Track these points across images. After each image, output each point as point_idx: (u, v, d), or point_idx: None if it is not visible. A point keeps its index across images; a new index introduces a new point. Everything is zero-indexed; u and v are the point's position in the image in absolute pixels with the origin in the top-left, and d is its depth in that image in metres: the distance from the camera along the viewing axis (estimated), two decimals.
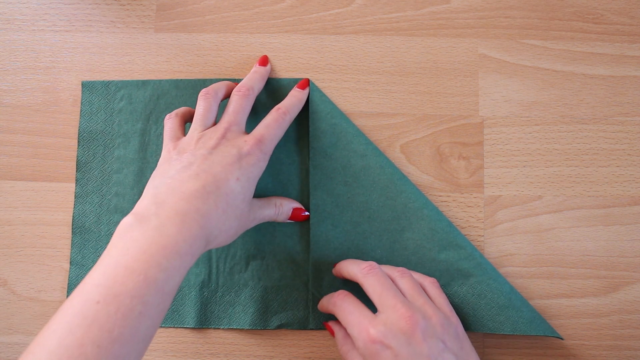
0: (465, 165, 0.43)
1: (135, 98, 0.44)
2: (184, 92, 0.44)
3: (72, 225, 0.43)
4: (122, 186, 0.43)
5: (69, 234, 0.43)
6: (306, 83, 0.43)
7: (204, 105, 0.39)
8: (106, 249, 0.32)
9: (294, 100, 0.41)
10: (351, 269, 0.38)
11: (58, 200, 0.44)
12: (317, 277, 0.42)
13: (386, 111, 0.44)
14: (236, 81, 0.43)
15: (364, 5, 0.45)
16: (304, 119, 0.43)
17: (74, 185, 0.44)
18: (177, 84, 0.44)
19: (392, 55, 0.44)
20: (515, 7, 0.45)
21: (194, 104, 0.44)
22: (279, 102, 0.43)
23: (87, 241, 0.43)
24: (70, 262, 0.43)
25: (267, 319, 0.42)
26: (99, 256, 0.43)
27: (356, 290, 0.38)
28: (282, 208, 0.40)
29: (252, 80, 0.41)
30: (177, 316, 0.42)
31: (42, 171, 0.44)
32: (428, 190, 0.43)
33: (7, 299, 0.43)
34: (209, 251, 0.43)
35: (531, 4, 0.45)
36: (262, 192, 0.43)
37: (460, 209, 0.43)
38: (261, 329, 0.42)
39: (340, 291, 0.38)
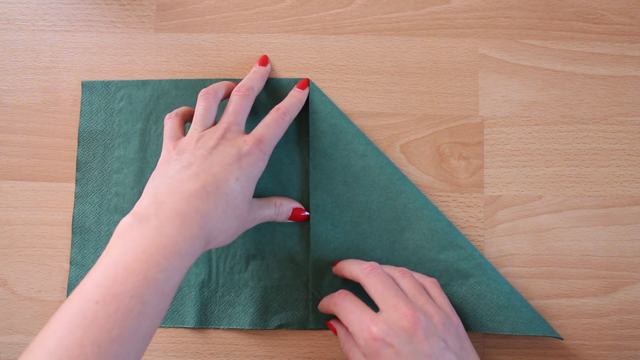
0: (465, 165, 0.43)
1: (135, 98, 0.44)
2: (184, 92, 0.44)
3: (72, 225, 0.43)
4: (122, 186, 0.43)
5: (69, 234, 0.43)
6: (306, 83, 0.43)
7: (203, 105, 0.39)
8: (106, 249, 0.32)
9: (293, 101, 0.41)
10: (353, 269, 0.38)
11: (58, 200, 0.44)
12: (317, 277, 0.42)
13: (386, 111, 0.44)
14: (236, 81, 0.43)
15: (364, 5, 0.45)
16: (304, 119, 0.43)
17: (74, 185, 0.44)
18: (177, 84, 0.44)
19: (392, 55, 0.44)
20: (515, 7, 0.45)
21: (194, 104, 0.44)
22: (279, 102, 0.43)
23: (87, 241, 0.43)
24: (70, 262, 0.43)
25: (267, 319, 0.42)
26: (99, 256, 0.42)
27: (356, 290, 0.38)
28: (282, 208, 0.40)
29: (252, 80, 0.41)
30: (177, 316, 0.42)
31: (42, 171, 0.44)
32: (428, 190, 0.43)
33: (7, 299, 0.43)
34: (209, 251, 0.43)
35: (531, 4, 0.45)
36: (262, 192, 0.43)
37: (460, 209, 0.43)
38: (261, 329, 0.42)
39: (341, 291, 0.38)
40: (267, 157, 0.37)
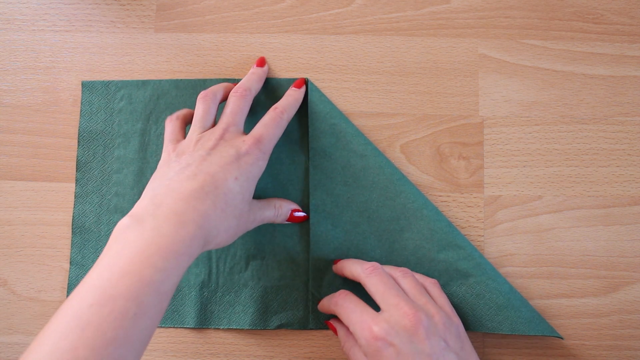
0: (465, 165, 0.43)
1: (135, 98, 0.44)
2: (184, 92, 0.44)
3: (72, 225, 0.43)
4: (122, 186, 0.43)
5: (69, 234, 0.43)
6: (302, 82, 0.43)
7: (202, 108, 0.39)
8: (103, 251, 0.32)
9: (290, 100, 0.41)
10: (354, 268, 0.38)
11: (58, 200, 0.44)
12: (317, 277, 0.42)
13: (386, 111, 0.44)
14: (235, 81, 0.43)
15: (364, 5, 0.45)
16: (303, 119, 0.43)
17: (74, 185, 0.44)
18: (177, 84, 0.44)
19: (392, 55, 0.44)
20: (515, 7, 0.45)
21: (194, 104, 0.44)
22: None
23: (87, 241, 0.43)
24: (70, 262, 0.43)
25: (267, 319, 0.42)
26: (98, 256, 0.43)
27: (356, 290, 0.38)
28: (281, 210, 0.40)
29: (250, 81, 0.41)
30: (177, 316, 0.42)
31: (42, 171, 0.44)
32: (428, 190, 0.43)
33: (7, 299, 0.43)
34: (209, 251, 0.43)
35: (531, 4, 0.45)
36: (262, 192, 0.43)
37: (460, 209, 0.43)
38: (261, 329, 0.42)
39: (342, 291, 0.38)
40: (266, 157, 0.37)
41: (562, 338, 0.40)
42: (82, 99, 0.45)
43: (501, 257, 0.42)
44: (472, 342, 0.38)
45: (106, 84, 0.45)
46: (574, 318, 0.42)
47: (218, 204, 0.34)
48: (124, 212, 0.43)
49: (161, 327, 0.42)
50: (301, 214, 0.42)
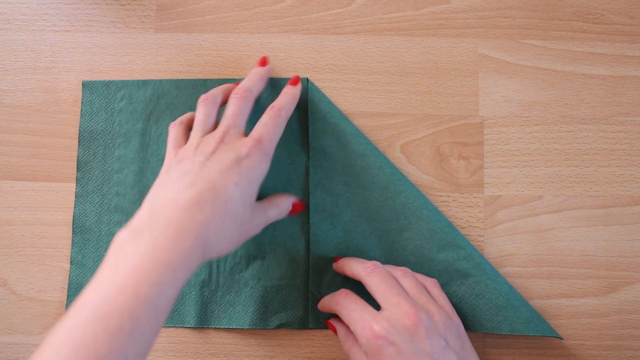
0: (465, 165, 0.43)
1: (136, 98, 0.44)
2: (184, 92, 0.44)
3: (73, 224, 0.43)
4: (122, 186, 0.43)
5: (69, 234, 0.43)
6: (297, 79, 0.42)
7: (202, 111, 0.39)
8: (100, 265, 0.31)
9: (287, 97, 0.40)
10: (354, 267, 0.38)
11: (58, 200, 0.44)
12: (317, 276, 0.42)
13: (386, 111, 0.44)
14: (237, 81, 0.43)
15: (364, 5, 0.45)
16: (303, 119, 0.43)
17: (74, 185, 0.44)
18: (177, 83, 0.44)
19: (392, 55, 0.44)
20: (515, 7, 0.45)
21: (194, 104, 0.44)
22: None
23: (88, 241, 0.43)
24: (71, 262, 0.43)
25: (267, 319, 0.42)
26: (99, 256, 0.43)
27: (356, 289, 0.38)
28: (283, 206, 0.40)
29: (251, 82, 0.40)
30: (177, 316, 0.42)
31: (42, 171, 0.44)
32: (428, 190, 0.43)
33: (7, 299, 0.43)
34: None
35: (531, 4, 0.45)
36: (262, 192, 0.42)
37: (460, 209, 0.43)
38: (261, 329, 0.42)
39: (342, 290, 0.38)
40: (268, 157, 0.37)
41: (561, 338, 0.40)
42: (82, 99, 0.45)
43: (501, 257, 0.42)
44: (472, 342, 0.38)
45: (107, 84, 0.45)
46: (574, 318, 0.42)
47: (217, 212, 0.33)
48: (124, 212, 0.43)
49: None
50: (300, 205, 0.41)
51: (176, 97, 0.44)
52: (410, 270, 0.38)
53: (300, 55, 0.45)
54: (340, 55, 0.45)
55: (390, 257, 0.41)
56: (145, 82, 0.44)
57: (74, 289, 0.43)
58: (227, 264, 0.42)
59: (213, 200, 0.33)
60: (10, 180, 0.44)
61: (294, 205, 0.41)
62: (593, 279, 0.42)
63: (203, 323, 0.42)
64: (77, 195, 0.44)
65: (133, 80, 0.45)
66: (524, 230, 0.42)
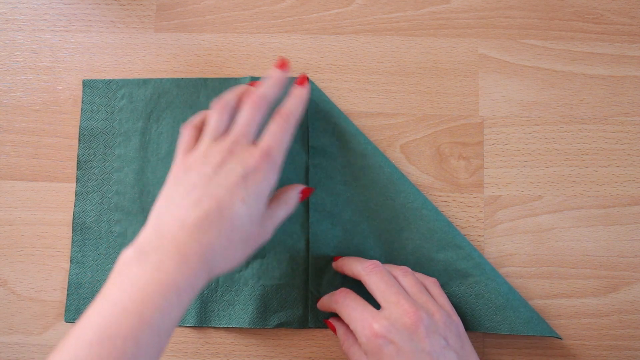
0: (465, 165, 0.43)
1: (136, 97, 0.44)
2: (184, 91, 0.44)
3: (73, 223, 0.43)
4: (122, 185, 0.43)
5: (69, 234, 0.43)
6: (305, 79, 0.40)
7: (215, 117, 0.37)
8: (105, 283, 0.31)
9: (295, 101, 0.38)
10: (354, 266, 0.38)
11: (58, 200, 0.44)
12: (317, 275, 0.42)
13: (386, 111, 0.44)
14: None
15: (364, 5, 0.45)
16: (303, 118, 0.43)
17: (74, 185, 0.44)
18: (178, 82, 0.44)
19: (392, 55, 0.44)
20: (515, 7, 0.45)
21: (194, 103, 0.44)
22: (279, 101, 0.43)
23: (88, 239, 0.43)
24: (71, 260, 0.43)
25: (266, 318, 0.42)
26: (99, 254, 0.43)
27: (356, 289, 0.38)
28: (290, 201, 0.38)
29: (268, 88, 0.38)
30: None
31: (42, 171, 0.44)
32: (428, 190, 0.43)
33: (7, 299, 0.43)
34: None
35: (531, 4, 0.45)
36: None
37: (460, 209, 0.43)
38: (261, 329, 0.42)
39: (342, 289, 0.38)
40: (277, 167, 0.36)
41: (561, 338, 0.40)
42: (83, 98, 0.45)
43: (501, 257, 0.42)
44: (472, 342, 0.38)
45: (107, 83, 0.45)
46: (574, 318, 0.42)
47: (223, 231, 0.33)
48: (124, 211, 0.43)
49: None
50: (308, 190, 0.40)
51: (176, 96, 0.44)
52: (410, 270, 0.38)
53: (300, 55, 0.45)
54: (340, 55, 0.45)
55: (389, 256, 0.41)
56: (145, 81, 0.44)
57: (74, 287, 0.43)
58: None
59: (219, 221, 0.33)
60: (10, 180, 0.44)
61: (302, 192, 0.39)
62: (593, 279, 0.42)
63: (203, 322, 0.42)
64: (77, 194, 0.44)
65: (133, 79, 0.45)
66: (524, 230, 0.42)
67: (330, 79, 0.44)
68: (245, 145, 0.35)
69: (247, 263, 0.42)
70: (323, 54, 0.45)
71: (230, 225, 0.33)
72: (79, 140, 0.44)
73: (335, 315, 0.40)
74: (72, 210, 0.44)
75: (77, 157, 0.44)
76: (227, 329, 0.42)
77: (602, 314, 0.41)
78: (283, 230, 0.43)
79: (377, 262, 0.38)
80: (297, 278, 0.42)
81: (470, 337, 0.37)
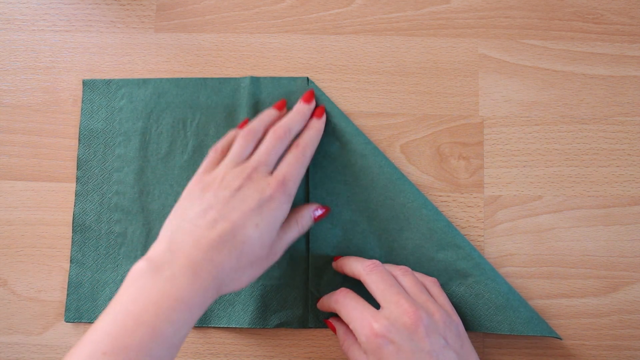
0: (465, 165, 0.43)
1: (136, 97, 0.44)
2: (184, 91, 0.44)
3: (73, 223, 0.43)
4: (122, 185, 0.43)
5: (69, 234, 0.43)
6: (322, 111, 0.42)
7: (240, 144, 0.38)
8: (118, 293, 0.32)
9: (312, 133, 0.40)
10: (354, 266, 0.38)
11: (58, 200, 0.44)
12: (317, 275, 0.42)
13: (386, 111, 0.44)
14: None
15: (364, 5, 0.45)
16: None
17: (74, 185, 0.44)
18: (177, 82, 0.44)
19: (392, 55, 0.44)
20: (515, 7, 0.45)
21: (194, 103, 0.44)
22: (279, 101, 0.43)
23: (88, 239, 0.43)
24: (71, 260, 0.43)
25: (266, 318, 0.42)
26: (99, 254, 0.43)
27: (356, 289, 0.38)
28: (303, 222, 0.39)
29: (293, 121, 0.40)
30: None
31: (42, 171, 0.44)
32: (428, 190, 0.43)
33: (7, 299, 0.43)
34: None
35: (531, 4, 0.45)
36: None
37: (460, 209, 0.43)
38: (261, 329, 0.42)
39: (342, 289, 0.38)
40: (291, 198, 0.37)
41: (560, 339, 0.40)
42: (83, 97, 0.45)
43: (501, 257, 0.42)
44: (472, 342, 0.38)
45: (107, 82, 0.45)
46: (574, 318, 0.42)
47: (233, 253, 0.34)
48: (124, 211, 0.43)
49: None
50: (321, 210, 0.41)
51: (176, 95, 0.44)
52: (409, 269, 0.38)
53: (300, 55, 0.45)
54: (340, 55, 0.45)
55: (389, 256, 0.41)
56: (145, 81, 0.44)
57: (74, 287, 0.43)
58: None
59: (231, 242, 0.34)
60: (10, 180, 0.44)
61: (314, 213, 0.40)
62: (593, 279, 0.42)
63: (202, 322, 0.42)
64: (77, 194, 0.44)
65: (133, 79, 0.45)
66: (524, 230, 0.42)
67: (330, 79, 0.44)
68: (264, 173, 0.37)
69: None
70: (323, 54, 0.45)
71: (241, 248, 0.34)
72: (79, 140, 0.44)
73: (335, 315, 0.40)
74: (72, 210, 0.44)
75: (77, 157, 0.44)
76: (227, 329, 0.42)
77: (602, 314, 0.41)
78: None
79: (377, 261, 0.38)
80: (297, 278, 0.42)
81: (470, 337, 0.37)
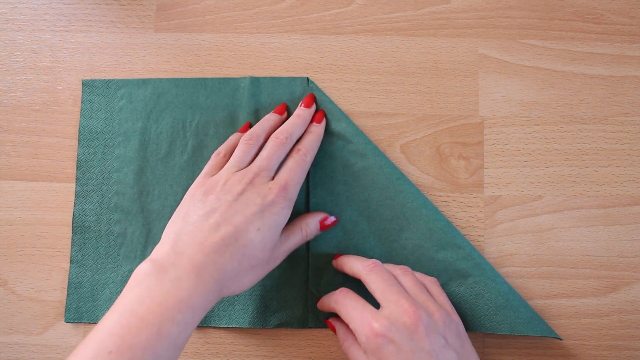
0: (465, 165, 0.43)
1: (136, 97, 0.44)
2: (184, 91, 0.44)
3: (72, 223, 0.43)
4: (122, 185, 0.43)
5: (69, 234, 0.43)
6: (322, 115, 0.42)
7: (242, 149, 0.39)
8: (122, 293, 0.32)
9: (312, 138, 0.41)
10: (354, 265, 0.38)
11: (58, 200, 0.44)
12: (317, 275, 0.42)
13: (386, 111, 0.44)
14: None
15: (364, 5, 0.45)
16: None
17: (74, 185, 0.44)
18: (177, 82, 0.44)
19: (392, 55, 0.44)
20: (515, 7, 0.45)
21: (194, 104, 0.44)
22: (279, 102, 0.43)
23: (87, 240, 0.43)
24: (71, 261, 0.43)
25: (266, 318, 0.42)
26: (98, 254, 0.43)
27: (356, 289, 0.38)
28: (308, 229, 0.40)
29: (293, 126, 0.40)
30: None
31: (42, 171, 0.44)
32: (428, 190, 0.43)
33: (7, 299, 0.43)
34: None
35: (531, 4, 0.45)
36: None
37: (460, 209, 0.43)
38: (261, 329, 0.42)
39: (342, 288, 0.38)
40: (292, 203, 0.37)
41: (561, 339, 0.40)
42: (82, 98, 0.45)
43: (501, 257, 0.42)
44: (472, 342, 0.38)
45: (106, 83, 0.45)
46: (574, 318, 0.42)
47: (235, 256, 0.34)
48: (124, 211, 0.43)
49: None
50: (331, 219, 0.41)
51: (176, 95, 0.44)
52: (409, 269, 0.38)
53: (300, 55, 0.45)
54: (340, 55, 0.45)
55: (389, 256, 0.41)
56: (145, 81, 0.44)
57: (74, 287, 0.43)
58: None
59: (234, 245, 0.34)
60: (10, 180, 0.44)
61: (321, 224, 0.41)
62: (593, 279, 0.42)
63: (203, 322, 0.42)
64: (77, 194, 0.44)
65: (133, 79, 0.45)
66: (524, 230, 0.42)
67: (330, 79, 0.44)
68: (266, 178, 0.37)
69: None
70: (323, 54, 0.45)
71: (242, 251, 0.34)
72: (79, 140, 0.44)
73: (335, 315, 0.40)
74: (72, 210, 0.44)
75: (77, 157, 0.44)
76: (227, 329, 0.42)
77: (602, 314, 0.41)
78: None
79: (377, 261, 0.38)
80: (296, 278, 0.42)
81: (470, 337, 0.37)
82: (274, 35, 0.45)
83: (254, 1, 0.46)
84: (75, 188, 0.44)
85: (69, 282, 0.43)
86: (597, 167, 0.43)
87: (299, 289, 0.42)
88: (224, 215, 0.35)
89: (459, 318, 0.37)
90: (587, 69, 0.44)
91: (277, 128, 0.41)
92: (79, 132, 0.44)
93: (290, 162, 0.39)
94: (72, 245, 0.43)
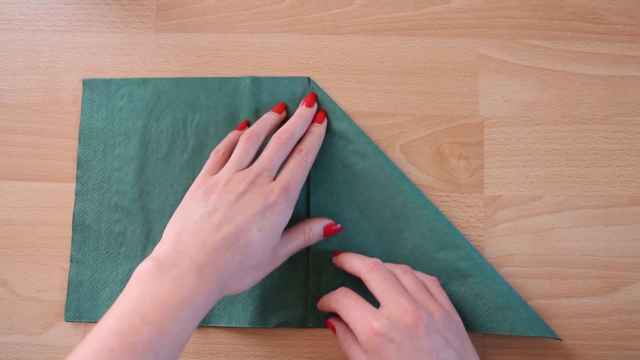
0: (465, 165, 0.43)
1: (136, 96, 0.44)
2: (184, 91, 0.44)
3: (73, 223, 0.43)
4: (122, 184, 0.43)
5: (69, 234, 0.43)
6: (324, 115, 0.42)
7: (242, 148, 0.39)
8: (123, 292, 0.32)
9: (313, 138, 0.41)
10: (355, 263, 0.38)
11: (58, 200, 0.44)
12: (317, 275, 0.42)
13: (386, 111, 0.44)
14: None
15: (364, 5, 0.45)
16: None
17: (74, 185, 0.44)
18: (177, 82, 0.44)
19: (392, 55, 0.44)
20: (515, 7, 0.45)
21: (194, 103, 0.44)
22: (280, 102, 0.43)
23: (88, 239, 0.43)
24: (71, 260, 0.43)
25: (266, 318, 0.42)
26: (98, 254, 0.43)
27: (355, 288, 0.38)
28: (312, 233, 0.40)
29: (295, 126, 0.40)
30: None
31: (42, 171, 0.44)
32: (428, 190, 0.43)
33: (7, 299, 0.43)
34: None
35: (531, 4, 0.45)
36: None
37: (460, 209, 0.43)
38: (261, 328, 0.42)
39: (342, 288, 0.38)
40: (293, 204, 0.37)
41: (560, 340, 0.40)
42: (83, 97, 0.45)
43: (501, 257, 0.42)
44: (472, 342, 0.38)
45: (107, 82, 0.45)
46: (574, 318, 0.42)
47: (236, 255, 0.34)
48: (124, 210, 0.43)
49: None
50: (337, 226, 0.41)
51: (176, 95, 0.44)
52: (410, 268, 0.38)
53: (300, 55, 0.45)
54: (340, 55, 0.45)
55: (390, 256, 0.41)
56: (145, 81, 0.44)
57: (74, 287, 0.43)
58: None
59: (235, 245, 0.34)
60: (10, 180, 0.44)
61: (326, 229, 0.40)
62: (593, 279, 0.42)
63: (203, 322, 0.42)
64: (77, 194, 0.44)
65: (133, 79, 0.45)
66: (524, 230, 0.42)
67: (330, 79, 0.44)
68: (267, 179, 0.37)
69: None
70: (323, 54, 0.45)
71: (243, 251, 0.34)
72: (79, 139, 0.44)
73: (335, 315, 0.40)
74: (72, 210, 0.44)
75: (77, 156, 0.44)
76: (227, 328, 0.42)
77: (602, 314, 0.41)
78: None
79: (377, 260, 0.38)
80: (297, 278, 0.42)
81: (470, 337, 0.37)
82: (274, 35, 0.45)
83: (254, 1, 0.46)
84: (76, 187, 0.44)
85: (69, 281, 0.43)
86: (597, 167, 0.43)
87: (299, 289, 0.42)
88: (226, 215, 0.35)
89: (459, 317, 0.37)
90: (587, 69, 0.44)
91: (277, 127, 0.41)
92: (80, 131, 0.44)
93: (291, 163, 0.39)
94: (72, 244, 0.43)
